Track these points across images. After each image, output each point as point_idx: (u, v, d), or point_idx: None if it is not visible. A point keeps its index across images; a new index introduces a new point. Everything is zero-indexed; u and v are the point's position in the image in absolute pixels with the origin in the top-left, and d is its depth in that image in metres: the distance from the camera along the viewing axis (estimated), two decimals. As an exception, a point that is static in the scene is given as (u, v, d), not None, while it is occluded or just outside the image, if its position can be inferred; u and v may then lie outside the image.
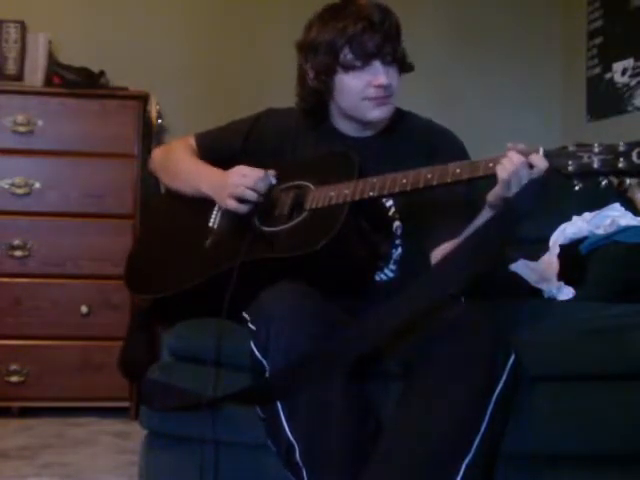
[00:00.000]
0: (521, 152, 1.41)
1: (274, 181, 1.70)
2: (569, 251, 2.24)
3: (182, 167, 1.84)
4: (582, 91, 3.30)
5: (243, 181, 1.68)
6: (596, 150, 1.35)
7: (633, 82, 2.99)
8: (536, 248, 2.35)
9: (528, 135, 3.23)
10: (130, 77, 2.92)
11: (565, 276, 2.19)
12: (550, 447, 1.50)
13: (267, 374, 1.41)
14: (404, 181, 1.52)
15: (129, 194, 2.75)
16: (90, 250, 2.73)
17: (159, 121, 3.01)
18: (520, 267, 2.30)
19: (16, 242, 2.70)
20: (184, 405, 1.55)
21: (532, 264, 2.31)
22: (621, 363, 1.55)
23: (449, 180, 1.47)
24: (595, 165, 1.35)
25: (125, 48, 3.11)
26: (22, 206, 2.72)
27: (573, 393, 1.53)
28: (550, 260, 2.27)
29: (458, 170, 1.47)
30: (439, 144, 1.75)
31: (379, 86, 1.65)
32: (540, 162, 1.40)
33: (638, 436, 1.50)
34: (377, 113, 1.70)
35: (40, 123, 2.72)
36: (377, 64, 1.65)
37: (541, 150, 1.41)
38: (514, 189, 1.40)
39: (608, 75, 3.14)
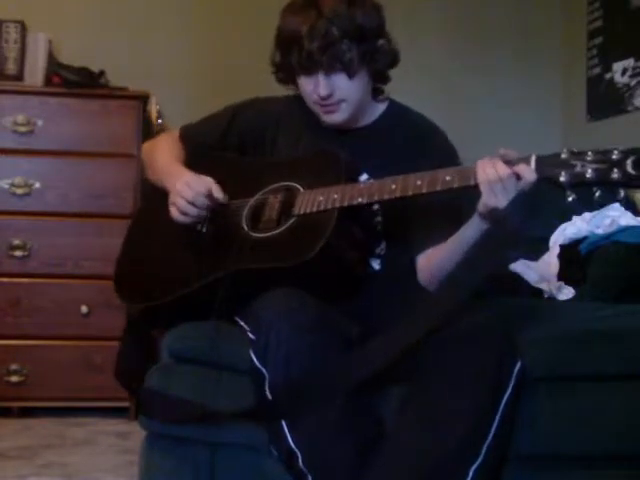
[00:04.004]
0: (509, 162, 1.36)
1: (224, 201, 1.64)
2: (569, 251, 2.24)
3: (159, 163, 1.81)
4: (582, 91, 3.30)
5: (183, 192, 1.62)
6: (589, 158, 1.30)
7: (633, 82, 2.99)
8: (536, 248, 2.35)
9: (528, 135, 3.23)
10: (130, 77, 2.93)
11: (565, 276, 2.20)
12: (550, 447, 1.49)
13: (267, 383, 1.39)
14: (393, 187, 1.47)
15: (129, 194, 2.75)
16: (90, 250, 2.73)
17: (159, 121, 3.01)
18: (520, 267, 2.30)
19: (16, 242, 2.70)
20: (184, 419, 1.52)
21: (532, 264, 2.31)
22: (621, 363, 1.54)
23: (439, 188, 1.42)
24: (588, 175, 1.30)
25: (125, 48, 3.11)
26: (22, 206, 2.72)
27: (573, 393, 1.52)
28: (550, 260, 2.28)
29: (448, 178, 1.42)
30: (430, 142, 1.70)
31: (320, 97, 1.62)
32: (528, 174, 1.34)
33: (638, 436, 1.50)
34: (328, 119, 1.68)
35: (40, 123, 2.72)
36: (319, 74, 1.60)
37: (533, 158, 1.36)
38: (500, 197, 1.35)
39: (608, 75, 3.14)
